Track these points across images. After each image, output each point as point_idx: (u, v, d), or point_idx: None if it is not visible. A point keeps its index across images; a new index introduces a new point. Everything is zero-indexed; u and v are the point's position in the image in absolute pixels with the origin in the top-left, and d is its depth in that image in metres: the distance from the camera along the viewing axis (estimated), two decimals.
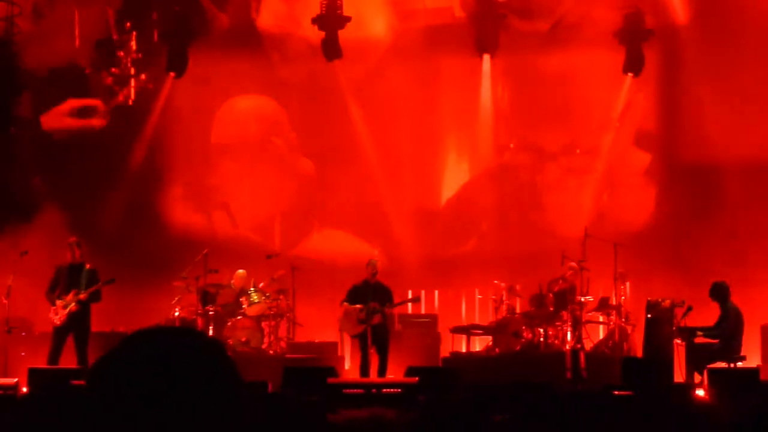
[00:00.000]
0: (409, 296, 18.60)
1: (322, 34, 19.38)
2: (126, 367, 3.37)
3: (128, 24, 21.08)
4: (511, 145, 21.11)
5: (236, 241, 20.76)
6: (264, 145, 21.48)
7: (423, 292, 19.26)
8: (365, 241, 20.81)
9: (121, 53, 21.01)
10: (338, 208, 21.12)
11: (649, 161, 20.71)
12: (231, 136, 21.52)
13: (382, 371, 17.06)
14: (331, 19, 19.17)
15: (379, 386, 14.82)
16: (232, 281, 18.66)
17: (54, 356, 16.21)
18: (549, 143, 21.06)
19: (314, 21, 19.25)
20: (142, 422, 3.28)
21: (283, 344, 18.67)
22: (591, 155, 20.83)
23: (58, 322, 16.20)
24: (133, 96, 21.10)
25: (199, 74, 20.50)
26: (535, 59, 20.76)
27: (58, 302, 16.21)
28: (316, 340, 18.79)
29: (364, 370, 17.17)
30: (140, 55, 21.07)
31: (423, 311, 19.55)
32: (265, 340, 18.39)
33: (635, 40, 18.90)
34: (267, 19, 21.18)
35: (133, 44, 21.05)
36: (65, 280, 16.34)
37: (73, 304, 16.23)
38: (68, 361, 16.23)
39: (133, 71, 21.06)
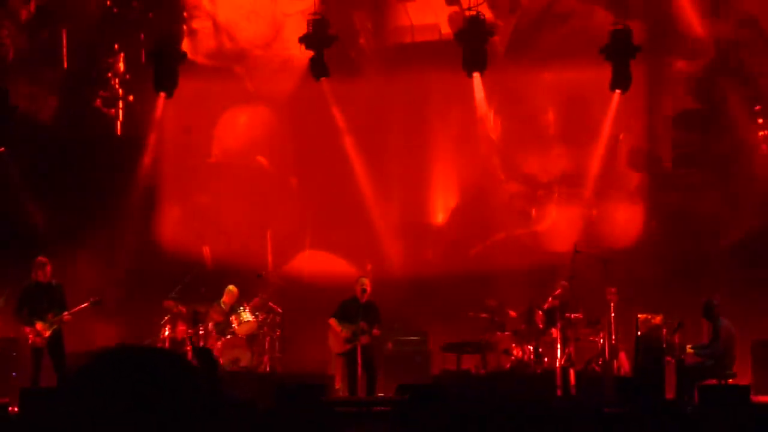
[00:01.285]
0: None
1: (310, 53, 19.40)
2: (95, 384, 3.37)
3: (116, 45, 21.09)
4: (502, 177, 21.14)
5: (227, 259, 20.73)
6: (253, 163, 21.49)
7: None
8: (356, 259, 20.82)
9: (109, 74, 21.03)
10: (329, 227, 21.13)
11: (638, 179, 20.77)
12: (221, 155, 21.53)
13: (371, 390, 17.05)
14: (319, 38, 19.20)
15: (371, 404, 14.81)
16: (223, 298, 18.66)
17: (37, 377, 16.18)
18: (537, 164, 21.08)
19: (301, 40, 19.28)
20: None
21: (274, 363, 18.65)
22: (577, 176, 20.86)
23: (43, 343, 16.15)
24: (121, 117, 21.09)
25: (189, 93, 20.47)
26: (522, 77, 20.82)
27: (39, 324, 16.14)
28: (307, 359, 18.78)
29: (353, 388, 17.17)
30: (128, 77, 21.08)
31: (413, 329, 19.55)
32: (256, 358, 18.38)
33: (622, 56, 18.91)
34: (253, 39, 21.27)
35: (121, 66, 21.06)
36: (35, 299, 16.26)
37: (56, 325, 16.21)
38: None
39: (121, 93, 21.07)
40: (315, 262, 21.04)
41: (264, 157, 21.47)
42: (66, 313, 16.28)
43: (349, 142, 20.90)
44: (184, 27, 20.99)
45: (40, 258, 16.48)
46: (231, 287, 18.74)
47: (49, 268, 16.38)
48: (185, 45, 20.76)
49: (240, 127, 21.59)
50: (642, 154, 20.79)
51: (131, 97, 21.14)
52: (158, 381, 3.47)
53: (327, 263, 20.94)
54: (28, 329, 16.21)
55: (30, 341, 16.21)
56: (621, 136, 20.46)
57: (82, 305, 16.52)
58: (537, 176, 21.11)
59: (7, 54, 20.22)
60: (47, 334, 16.17)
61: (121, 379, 3.44)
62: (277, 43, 21.16)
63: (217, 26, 21.30)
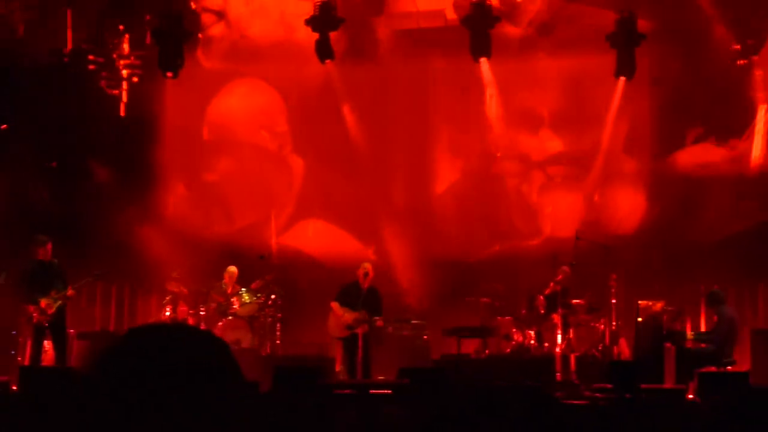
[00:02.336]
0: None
1: (315, 35, 19.40)
2: (128, 361, 3.34)
3: (121, 26, 21.09)
4: (498, 154, 21.13)
5: (231, 239, 20.74)
6: (258, 142, 21.50)
7: None
8: (359, 241, 20.82)
9: (114, 55, 21.03)
10: (333, 208, 21.11)
11: (636, 166, 20.73)
12: (225, 133, 21.53)
13: (366, 373, 17.11)
14: (325, 21, 19.20)
15: (371, 387, 14.84)
16: (224, 280, 18.69)
17: (37, 355, 16.21)
18: (540, 150, 21.07)
19: (308, 22, 19.28)
20: (144, 415, 3.26)
21: (274, 345, 18.70)
22: (581, 161, 20.85)
23: (46, 321, 16.16)
24: (125, 99, 21.09)
25: (194, 72, 20.47)
26: (525, 64, 20.81)
27: (44, 301, 16.15)
28: (307, 341, 18.82)
29: (352, 372, 17.22)
30: (133, 58, 21.08)
31: (414, 313, 19.56)
32: (257, 340, 18.42)
33: (627, 43, 18.88)
34: (258, 22, 21.27)
35: (126, 46, 21.06)
36: (38, 278, 16.27)
37: (61, 301, 16.23)
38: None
39: (125, 73, 21.06)
40: (318, 244, 21.04)
41: (267, 135, 21.47)
42: (70, 287, 16.30)
43: (353, 125, 20.90)
44: (200, 36, 20.97)
45: (41, 236, 16.49)
46: (231, 268, 18.77)
47: (49, 246, 16.39)
48: (199, 51, 20.81)
49: (244, 107, 21.58)
50: (642, 141, 20.75)
51: (135, 79, 21.12)
52: (188, 359, 3.43)
53: (330, 245, 20.95)
54: (31, 307, 16.21)
55: (35, 320, 16.21)
56: None
57: (84, 279, 16.54)
58: (538, 161, 21.10)
59: (17, 30, 20.21)
60: (51, 311, 16.19)
61: (150, 357, 3.40)
62: (285, 30, 21.12)
63: (228, 24, 21.31)
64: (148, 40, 20.74)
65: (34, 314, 16.18)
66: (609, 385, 14.61)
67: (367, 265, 17.63)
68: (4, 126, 19.63)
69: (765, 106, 19.86)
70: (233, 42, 21.28)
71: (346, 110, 20.83)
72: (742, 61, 19.77)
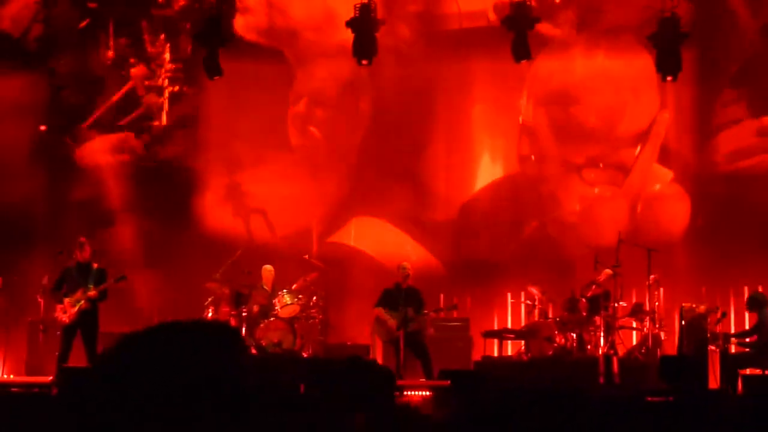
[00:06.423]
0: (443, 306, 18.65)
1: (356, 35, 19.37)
2: (131, 363, 3.27)
3: (162, 36, 21.19)
4: (532, 157, 21.01)
5: (272, 246, 20.72)
6: (301, 149, 21.44)
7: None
8: (399, 243, 20.74)
9: (156, 63, 21.14)
10: (374, 210, 21.05)
11: (674, 173, 20.54)
12: (271, 139, 21.47)
13: (428, 374, 17.07)
14: (365, 22, 19.12)
15: (411, 388, 14.80)
16: (262, 280, 18.66)
17: (64, 355, 16.25)
18: (585, 153, 20.90)
19: (348, 24, 19.22)
20: (145, 420, 3.18)
21: (316, 346, 18.70)
22: (622, 166, 20.69)
23: (67, 320, 16.23)
24: (167, 108, 21.18)
25: (233, 78, 20.46)
26: (564, 65, 20.72)
27: (66, 300, 16.24)
28: (349, 343, 18.82)
29: (398, 372, 17.19)
30: (174, 66, 21.17)
31: (456, 315, 19.48)
32: (298, 341, 18.40)
33: (671, 43, 18.69)
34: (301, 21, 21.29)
35: (167, 56, 21.16)
36: (73, 279, 16.37)
37: (83, 301, 16.25)
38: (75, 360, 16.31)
39: (167, 83, 21.16)
40: (361, 245, 20.99)
41: (315, 141, 21.42)
42: (92, 288, 16.30)
43: (392, 127, 20.89)
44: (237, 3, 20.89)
45: (80, 238, 16.65)
46: (267, 266, 18.73)
47: (87, 248, 16.49)
48: (237, 22, 20.69)
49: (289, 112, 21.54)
50: (688, 146, 20.57)
51: (177, 88, 21.22)
52: (199, 358, 3.35)
53: (373, 246, 20.89)
54: (58, 307, 16.35)
55: (59, 320, 16.33)
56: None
57: (107, 282, 16.52)
58: (580, 166, 20.95)
59: (56, 35, 20.37)
60: (73, 310, 16.21)
61: (157, 357, 3.33)
62: (329, 27, 21.07)
63: (270, 4, 21.30)
64: (190, 49, 20.83)
65: (58, 314, 16.30)
66: (653, 387, 14.47)
67: (406, 265, 17.63)
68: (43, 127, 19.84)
69: None
70: (272, 21, 21.25)
71: (369, 108, 20.81)
72: None
